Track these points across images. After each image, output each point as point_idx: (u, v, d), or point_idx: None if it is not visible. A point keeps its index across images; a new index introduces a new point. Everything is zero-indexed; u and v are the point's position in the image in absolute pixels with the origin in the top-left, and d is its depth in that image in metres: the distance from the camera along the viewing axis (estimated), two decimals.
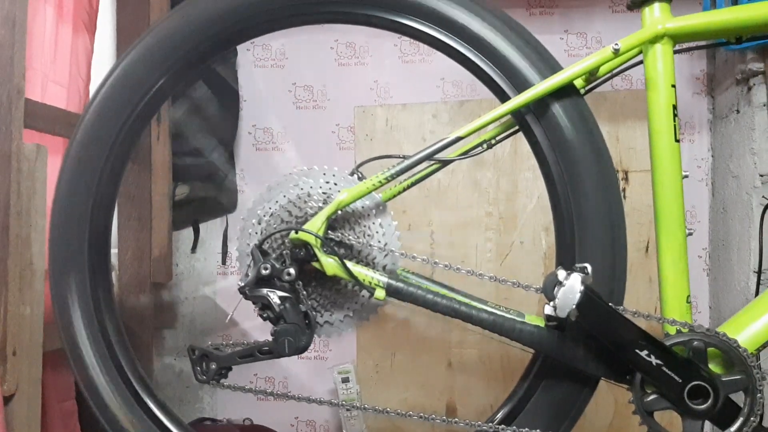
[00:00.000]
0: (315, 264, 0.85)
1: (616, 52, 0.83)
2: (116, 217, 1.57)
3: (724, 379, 0.79)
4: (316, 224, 0.84)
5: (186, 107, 1.74)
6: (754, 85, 1.47)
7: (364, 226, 0.88)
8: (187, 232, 1.90)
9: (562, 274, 0.77)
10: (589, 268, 0.78)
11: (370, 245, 0.87)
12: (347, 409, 1.68)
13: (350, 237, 0.87)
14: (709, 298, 1.71)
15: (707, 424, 0.81)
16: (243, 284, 0.85)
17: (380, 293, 0.84)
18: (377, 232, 0.88)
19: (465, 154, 0.97)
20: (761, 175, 1.46)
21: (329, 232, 0.86)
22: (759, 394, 0.78)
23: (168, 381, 1.92)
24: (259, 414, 1.83)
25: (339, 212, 0.86)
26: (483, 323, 0.83)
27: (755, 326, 0.83)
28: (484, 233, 1.76)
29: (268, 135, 1.89)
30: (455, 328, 1.73)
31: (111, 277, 0.99)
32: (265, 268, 0.84)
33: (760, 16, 0.83)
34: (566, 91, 0.85)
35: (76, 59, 1.40)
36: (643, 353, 0.78)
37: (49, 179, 1.15)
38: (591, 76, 0.93)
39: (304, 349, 0.85)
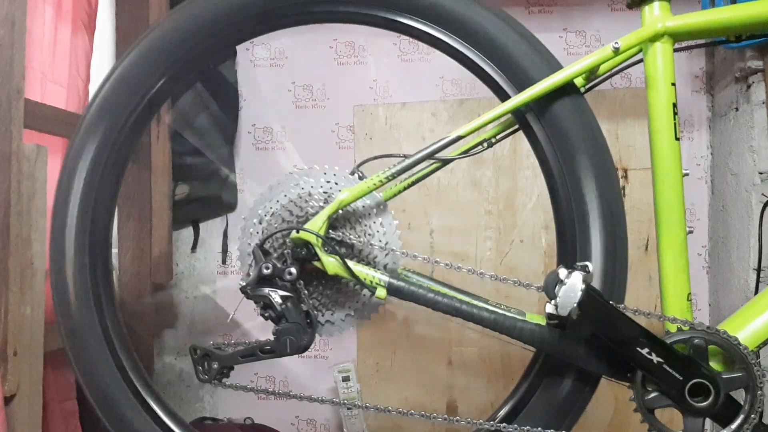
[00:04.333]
0: (316, 263, 0.85)
1: (616, 51, 0.83)
2: (116, 217, 1.57)
3: (724, 376, 0.79)
4: (317, 223, 0.84)
5: (186, 107, 1.74)
6: (753, 83, 1.47)
7: (365, 225, 0.88)
8: (187, 232, 1.90)
9: (563, 272, 0.78)
10: (590, 267, 0.78)
11: (371, 244, 0.87)
12: (348, 408, 1.68)
13: (351, 236, 0.87)
14: (709, 296, 1.71)
15: (708, 422, 0.81)
16: (244, 284, 0.85)
17: (381, 292, 0.84)
18: (378, 231, 0.88)
19: (465, 153, 0.97)
20: (760, 173, 1.46)
21: (330, 231, 0.86)
22: (759, 392, 0.79)
23: (168, 380, 1.92)
24: (259, 413, 1.83)
25: (340, 211, 0.86)
26: (484, 322, 0.83)
27: (755, 324, 0.83)
28: (484, 232, 1.76)
29: (267, 134, 1.89)
30: (455, 327, 1.73)
31: (111, 277, 0.99)
32: (267, 268, 0.84)
33: (759, 14, 0.83)
34: (566, 89, 0.85)
35: (76, 59, 1.40)
36: (644, 351, 0.78)
37: (49, 179, 1.15)
38: (591, 74, 0.93)
39: (306, 348, 0.85)
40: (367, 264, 0.87)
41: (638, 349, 0.78)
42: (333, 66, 1.87)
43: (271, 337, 0.85)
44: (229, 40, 0.95)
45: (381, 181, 0.85)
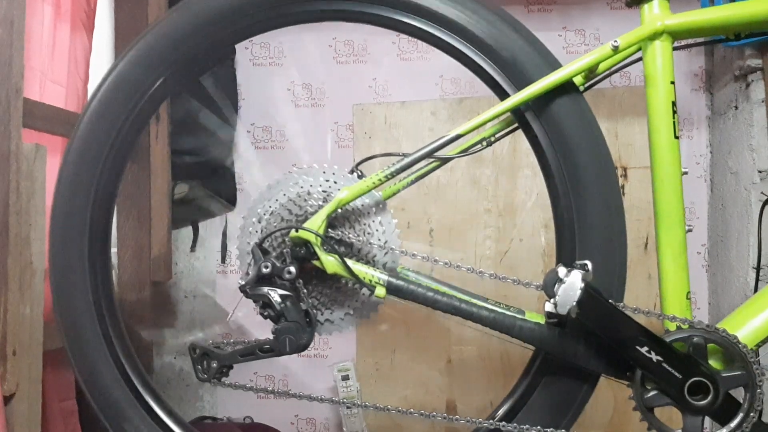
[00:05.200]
0: (315, 262, 0.85)
1: (615, 49, 0.83)
2: (116, 217, 1.57)
3: (723, 374, 0.79)
4: (317, 222, 0.84)
5: (185, 106, 1.74)
6: (753, 81, 1.47)
7: (364, 224, 0.88)
8: (187, 231, 1.90)
9: (562, 271, 0.78)
10: (590, 265, 0.78)
11: (371, 243, 0.87)
12: (347, 407, 1.68)
13: (350, 235, 0.87)
14: (709, 294, 1.71)
15: (707, 420, 0.81)
16: (244, 283, 0.85)
17: (380, 291, 0.84)
18: (377, 230, 0.88)
19: (464, 151, 0.97)
20: (760, 171, 1.46)
21: (329, 230, 0.86)
22: (758, 390, 0.79)
23: (168, 379, 1.92)
24: (259, 412, 1.83)
25: (339, 210, 0.86)
26: (483, 320, 0.83)
27: (755, 322, 0.83)
28: (484, 230, 1.76)
29: (267, 133, 1.89)
30: (455, 326, 1.73)
31: (111, 276, 0.99)
32: (266, 267, 0.84)
33: (759, 12, 0.83)
34: (565, 88, 0.85)
35: (75, 58, 1.40)
36: (644, 350, 0.78)
37: (48, 179, 1.15)
38: (590, 73, 0.93)
39: (305, 347, 0.85)
40: (367, 263, 0.87)
41: (637, 347, 0.78)
42: (332, 65, 1.87)
43: (271, 336, 0.85)
44: (228, 38, 0.95)
45: (380, 179, 0.85)
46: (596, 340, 0.81)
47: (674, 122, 0.84)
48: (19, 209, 1.10)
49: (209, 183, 1.83)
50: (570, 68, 0.83)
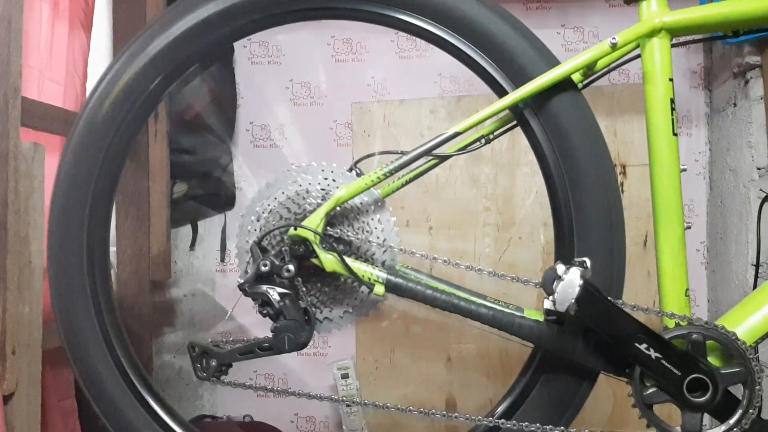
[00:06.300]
0: (314, 260, 0.85)
1: (614, 47, 0.83)
2: (114, 216, 1.57)
3: (722, 371, 0.79)
4: (315, 220, 0.84)
5: (183, 105, 1.74)
6: (751, 78, 1.47)
7: (363, 222, 0.88)
8: (186, 230, 1.90)
9: (561, 268, 0.77)
10: (588, 263, 0.78)
11: (369, 241, 0.87)
12: (347, 405, 1.68)
13: (349, 233, 0.87)
14: (708, 292, 1.71)
15: (706, 417, 0.81)
16: (242, 281, 0.85)
17: (379, 289, 0.84)
18: (376, 228, 0.88)
19: (463, 149, 0.97)
20: (758, 168, 1.46)
21: (328, 228, 0.86)
22: (757, 387, 0.79)
23: (167, 378, 1.92)
24: (258, 410, 1.83)
25: (338, 208, 0.86)
26: (482, 318, 0.83)
27: (753, 319, 0.83)
28: (483, 228, 1.76)
29: (265, 132, 1.89)
30: (454, 324, 1.73)
31: (110, 275, 0.98)
32: (265, 265, 0.84)
33: (757, 9, 0.83)
34: (564, 85, 0.84)
35: (73, 57, 1.40)
36: (642, 347, 0.78)
37: (46, 177, 1.15)
38: (588, 70, 0.93)
39: (304, 345, 0.85)
40: (365, 261, 0.87)
41: (636, 344, 0.78)
42: (331, 63, 1.87)
43: (270, 335, 0.85)
44: (225, 36, 0.94)
45: (379, 177, 0.85)
46: (595, 338, 0.81)
47: (673, 119, 0.84)
48: (18, 208, 1.10)
49: (208, 182, 1.83)
50: (568, 65, 0.83)
